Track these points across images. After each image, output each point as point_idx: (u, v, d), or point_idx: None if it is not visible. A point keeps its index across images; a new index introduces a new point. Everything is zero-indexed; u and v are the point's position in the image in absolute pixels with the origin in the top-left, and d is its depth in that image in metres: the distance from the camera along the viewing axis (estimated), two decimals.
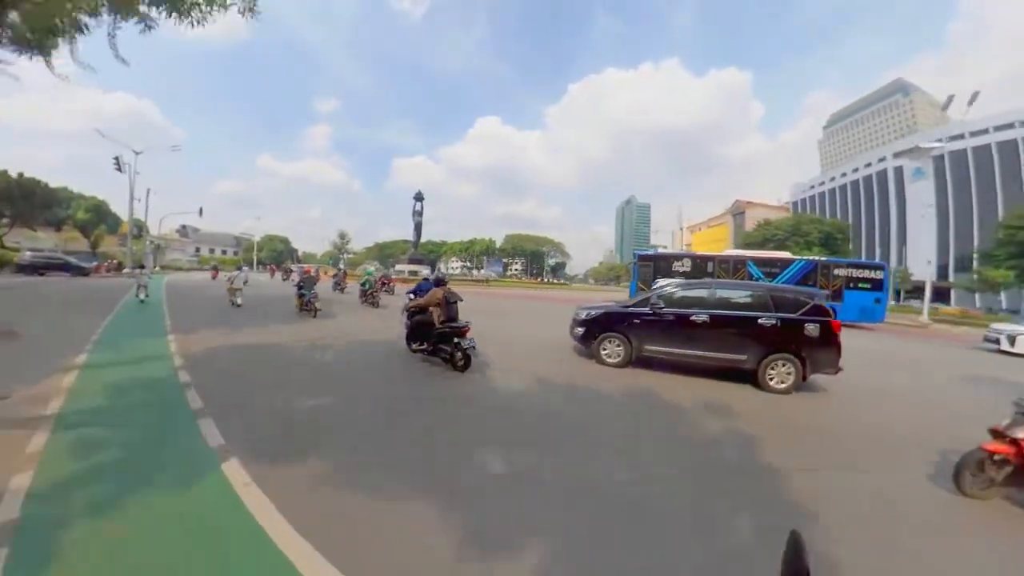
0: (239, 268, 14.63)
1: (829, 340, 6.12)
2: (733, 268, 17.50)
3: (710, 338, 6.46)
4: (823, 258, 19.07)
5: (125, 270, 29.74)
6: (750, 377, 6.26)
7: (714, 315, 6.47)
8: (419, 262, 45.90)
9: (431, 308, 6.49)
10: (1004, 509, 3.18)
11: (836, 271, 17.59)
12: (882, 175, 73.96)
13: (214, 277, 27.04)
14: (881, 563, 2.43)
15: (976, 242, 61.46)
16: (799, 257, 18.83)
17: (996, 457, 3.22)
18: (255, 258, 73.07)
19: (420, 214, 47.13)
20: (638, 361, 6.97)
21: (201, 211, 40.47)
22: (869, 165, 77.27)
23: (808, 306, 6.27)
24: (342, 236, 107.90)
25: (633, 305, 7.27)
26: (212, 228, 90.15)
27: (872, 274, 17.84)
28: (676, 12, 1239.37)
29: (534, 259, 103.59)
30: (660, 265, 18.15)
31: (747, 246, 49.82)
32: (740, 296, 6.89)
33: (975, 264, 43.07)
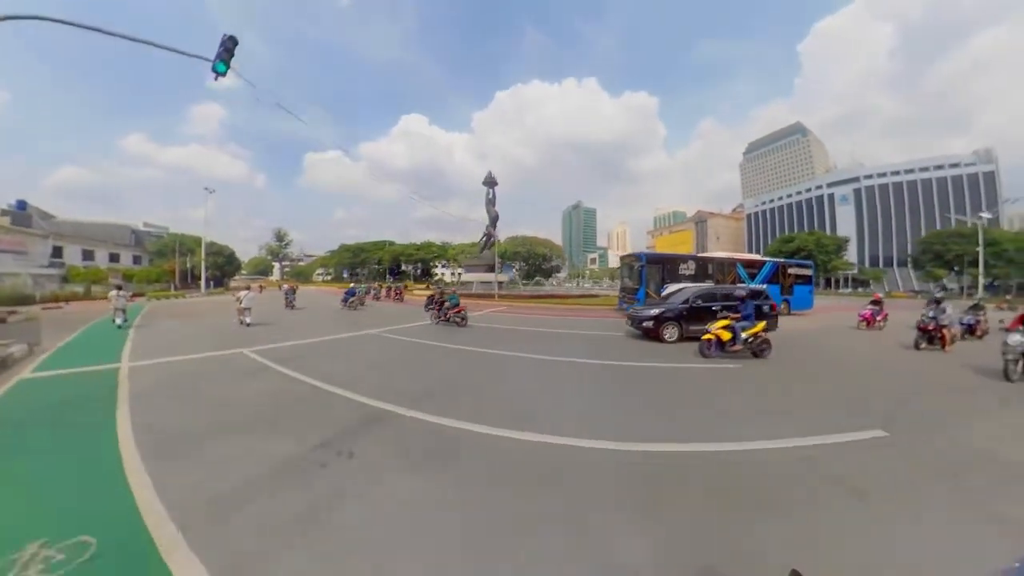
0: (248, 287, 15.31)
1: (773, 313, 11.42)
2: (727, 268, 19.82)
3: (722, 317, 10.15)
4: (781, 260, 22.83)
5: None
6: None
7: (724, 305, 10.75)
8: (492, 268, 35.11)
9: (435, 298, 15.01)
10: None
11: (789, 270, 21.07)
12: (820, 199, 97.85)
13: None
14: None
15: (880, 248, 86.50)
16: (768, 259, 21.89)
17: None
18: (203, 268, 43.06)
19: (493, 202, 36.98)
20: (684, 337, 10.50)
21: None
22: (809, 190, 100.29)
23: (763, 296, 11.97)
24: (280, 237, 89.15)
25: (682, 304, 11.15)
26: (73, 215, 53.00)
27: (807, 271, 22.04)
28: (597, 36, 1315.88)
29: (540, 262, 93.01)
30: (667, 266, 18.81)
31: (779, 252, 62.70)
32: (733, 293, 11.22)
33: (909, 264, 66.80)
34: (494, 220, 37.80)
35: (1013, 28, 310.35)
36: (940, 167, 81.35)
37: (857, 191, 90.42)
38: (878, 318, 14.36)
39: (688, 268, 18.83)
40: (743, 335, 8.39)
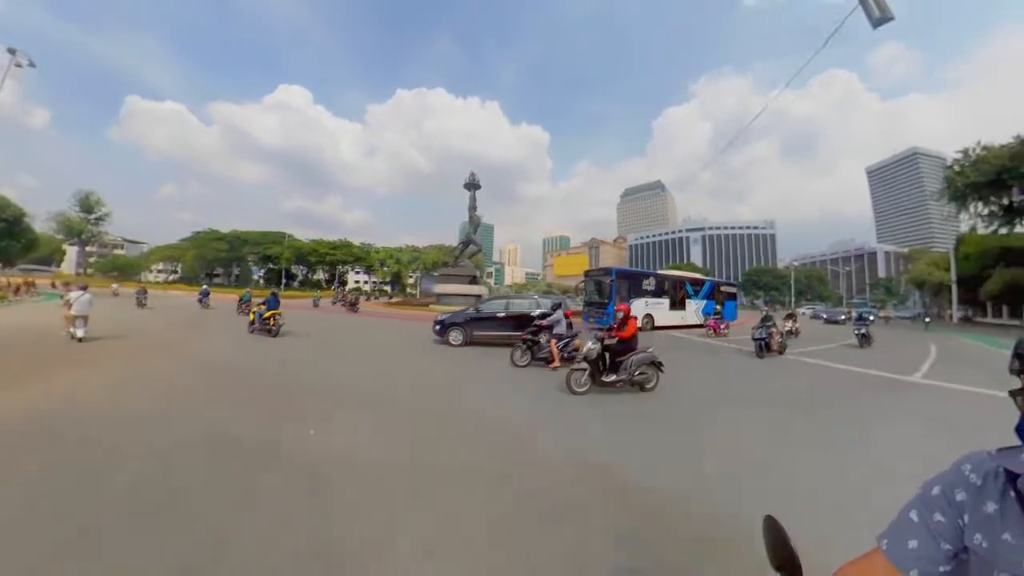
0: (81, 287, 9.88)
1: (567, 321, 11.26)
2: (678, 285, 21.73)
3: (508, 324, 11.64)
4: (716, 279, 26.96)
5: None
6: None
7: (509, 313, 12.03)
8: (475, 279, 33.04)
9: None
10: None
11: (722, 287, 24.84)
12: (680, 239, 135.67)
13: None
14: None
15: (717, 276, 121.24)
16: (708, 278, 25.21)
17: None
18: None
19: (475, 208, 34.80)
20: (470, 341, 11.39)
21: None
22: (673, 232, 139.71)
23: (559, 305, 11.99)
24: (88, 207, 55.07)
25: (468, 311, 12.07)
26: None
27: (733, 290, 26.51)
28: (506, 67, 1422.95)
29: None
30: (634, 282, 20.17)
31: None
32: (522, 304, 12.61)
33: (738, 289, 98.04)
34: (476, 226, 35.26)
35: (772, 143, 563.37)
36: (750, 227, 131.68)
37: (704, 236, 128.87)
38: (721, 326, 17.23)
39: (650, 284, 20.37)
40: (265, 318, 11.53)
